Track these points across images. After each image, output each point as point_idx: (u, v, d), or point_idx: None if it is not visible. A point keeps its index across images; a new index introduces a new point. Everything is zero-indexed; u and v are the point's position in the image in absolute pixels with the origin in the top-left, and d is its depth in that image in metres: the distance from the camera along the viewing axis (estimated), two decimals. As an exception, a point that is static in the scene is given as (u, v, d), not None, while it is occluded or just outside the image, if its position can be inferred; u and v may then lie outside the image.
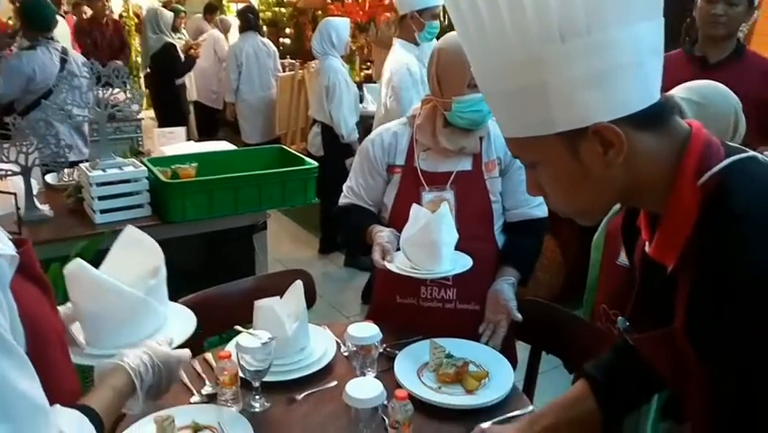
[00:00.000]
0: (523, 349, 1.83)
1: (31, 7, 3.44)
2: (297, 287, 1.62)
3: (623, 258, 1.59)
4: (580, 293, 1.88)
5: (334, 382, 1.51)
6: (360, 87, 5.58)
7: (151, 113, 6.39)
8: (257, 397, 1.43)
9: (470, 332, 1.69)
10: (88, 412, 0.88)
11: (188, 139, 3.52)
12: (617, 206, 1.74)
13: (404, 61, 3.22)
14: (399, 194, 1.82)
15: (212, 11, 7.14)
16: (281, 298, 1.60)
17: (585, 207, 0.82)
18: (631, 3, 0.71)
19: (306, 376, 1.52)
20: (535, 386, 1.80)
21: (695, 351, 0.73)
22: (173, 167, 2.58)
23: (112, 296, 1.17)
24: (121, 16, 8.95)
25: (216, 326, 1.84)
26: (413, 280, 1.66)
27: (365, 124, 4.58)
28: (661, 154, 0.76)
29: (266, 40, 5.82)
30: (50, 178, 2.89)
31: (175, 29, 6.10)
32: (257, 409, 1.41)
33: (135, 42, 8.62)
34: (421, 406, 1.37)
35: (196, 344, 1.78)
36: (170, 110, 5.80)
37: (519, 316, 1.66)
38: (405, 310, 1.81)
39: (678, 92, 1.53)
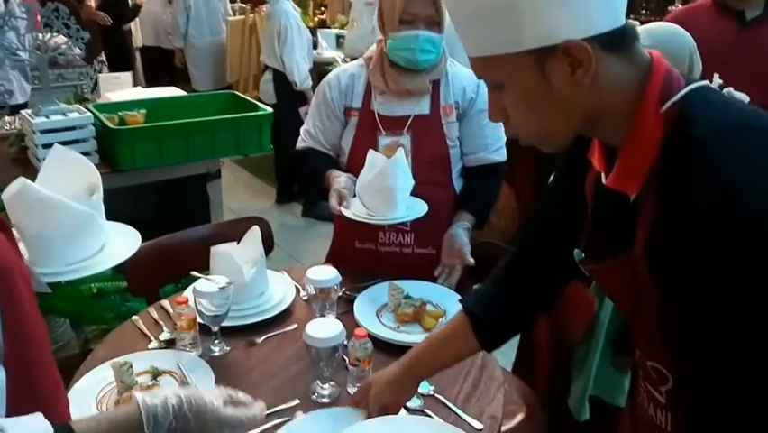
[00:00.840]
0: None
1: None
2: (254, 232, 1.61)
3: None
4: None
5: (294, 326, 1.52)
6: (313, 32, 5.45)
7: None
8: (216, 342, 1.43)
9: (427, 275, 1.72)
10: (61, 429, 0.71)
11: (135, 85, 3.37)
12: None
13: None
14: (356, 138, 1.80)
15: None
16: (238, 244, 1.59)
17: (549, 132, 0.82)
18: None
19: (266, 320, 1.52)
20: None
21: (653, 276, 0.76)
22: (120, 113, 2.48)
23: (59, 213, 1.13)
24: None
25: (172, 273, 1.82)
26: (370, 225, 1.67)
27: (319, 70, 4.49)
28: (624, 79, 0.77)
29: (214, -19, 5.58)
30: (-11, 126, 2.75)
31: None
32: (216, 354, 1.42)
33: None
34: (380, 345, 1.39)
35: (152, 292, 1.77)
36: (118, 57, 5.55)
37: (472, 260, 1.69)
38: (363, 255, 1.82)
39: None
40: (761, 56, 2.13)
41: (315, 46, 5.03)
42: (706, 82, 0.78)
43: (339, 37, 5.52)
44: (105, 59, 4.75)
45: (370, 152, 1.68)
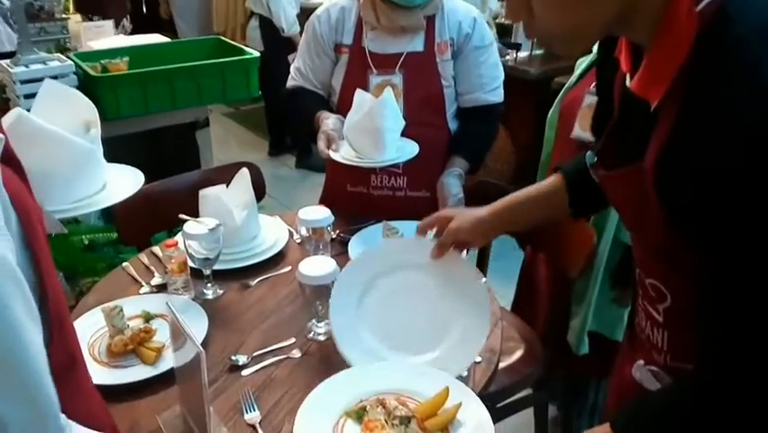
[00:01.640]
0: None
1: None
2: (243, 175, 1.57)
3: (577, 132, 1.59)
4: (531, 181, 1.89)
5: (288, 268, 1.49)
6: (301, -24, 5.26)
7: (78, 17, 5.91)
8: (209, 285, 1.41)
9: (420, 218, 1.68)
10: None
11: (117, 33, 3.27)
12: (573, 78, 1.73)
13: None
14: (347, 77, 1.73)
15: None
16: (227, 187, 1.55)
17: (578, 27, 0.74)
18: None
19: (259, 263, 1.50)
20: (488, 261, 1.83)
21: (658, 190, 0.72)
22: (103, 62, 2.42)
23: (58, 147, 1.07)
24: None
25: (163, 221, 1.78)
26: (361, 168, 1.62)
27: (307, 14, 4.35)
28: None
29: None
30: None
31: None
32: (209, 297, 1.39)
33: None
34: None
35: (143, 241, 1.74)
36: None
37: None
38: (355, 199, 1.79)
39: None
40: None
41: (302, -10, 4.87)
42: None
43: (327, -19, 5.34)
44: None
45: (358, 92, 1.61)
